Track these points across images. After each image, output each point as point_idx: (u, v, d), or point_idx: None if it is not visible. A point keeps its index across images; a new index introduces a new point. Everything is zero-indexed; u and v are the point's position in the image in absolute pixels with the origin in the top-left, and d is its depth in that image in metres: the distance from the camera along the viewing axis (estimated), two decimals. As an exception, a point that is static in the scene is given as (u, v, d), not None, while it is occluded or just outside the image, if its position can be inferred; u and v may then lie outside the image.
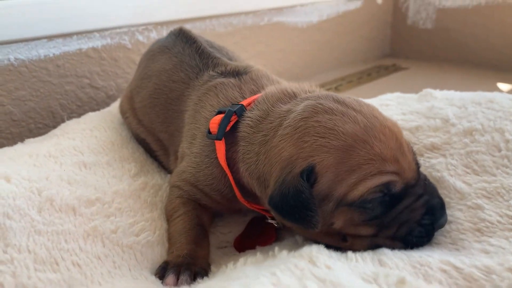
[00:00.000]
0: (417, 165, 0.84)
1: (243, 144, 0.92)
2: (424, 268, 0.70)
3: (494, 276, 0.67)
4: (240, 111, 0.95)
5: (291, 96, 0.94)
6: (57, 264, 0.74)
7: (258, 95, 0.98)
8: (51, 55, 1.55)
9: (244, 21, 2.11)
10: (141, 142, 1.24)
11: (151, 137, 1.20)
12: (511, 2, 2.42)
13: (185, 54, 1.17)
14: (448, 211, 0.85)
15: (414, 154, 0.84)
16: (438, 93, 1.26)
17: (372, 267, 0.68)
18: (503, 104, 1.10)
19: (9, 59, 1.45)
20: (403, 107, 1.22)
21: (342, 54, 2.68)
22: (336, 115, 0.82)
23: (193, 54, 1.16)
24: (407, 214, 0.79)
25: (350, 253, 0.72)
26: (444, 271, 0.69)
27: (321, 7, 2.46)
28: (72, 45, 1.59)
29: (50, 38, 1.53)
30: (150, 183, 1.07)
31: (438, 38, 2.77)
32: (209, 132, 0.94)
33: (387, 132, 0.81)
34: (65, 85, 1.59)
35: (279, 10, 2.25)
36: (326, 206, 0.79)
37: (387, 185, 0.78)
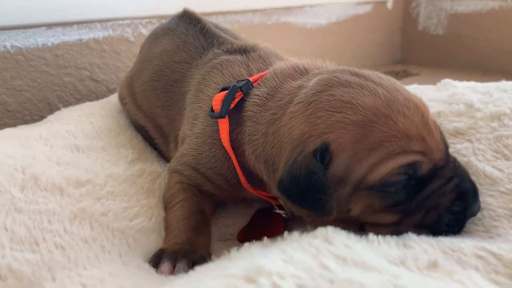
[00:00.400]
0: (446, 146, 0.75)
1: (250, 124, 0.84)
2: (457, 254, 0.61)
3: (539, 261, 0.57)
4: (247, 88, 0.86)
5: (303, 72, 0.86)
6: (37, 244, 0.65)
7: (266, 71, 0.90)
8: (50, 44, 1.48)
9: (252, 20, 2.05)
10: (140, 130, 1.16)
11: (150, 124, 1.12)
12: (526, 6, 2.35)
13: (188, 35, 1.09)
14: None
15: (442, 133, 0.75)
16: (458, 83, 1.17)
17: (397, 250, 0.59)
18: (531, 89, 1.01)
19: (5, 46, 1.39)
20: (421, 96, 1.13)
21: (351, 58, 2.60)
22: (353, 87, 0.74)
23: (197, 34, 1.08)
24: (435, 199, 0.70)
25: (371, 235, 0.63)
26: (481, 257, 0.60)
27: (330, 9, 2.40)
28: (72, 35, 1.52)
29: (49, 26, 1.47)
30: (148, 170, 0.99)
31: (450, 44, 2.70)
32: (212, 111, 0.86)
33: (412, 106, 0.72)
34: (64, 77, 1.52)
35: (288, 9, 2.19)
36: (343, 190, 0.70)
37: (412, 165, 0.68)
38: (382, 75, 0.79)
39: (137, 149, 1.07)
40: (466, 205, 0.70)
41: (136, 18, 1.65)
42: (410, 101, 0.73)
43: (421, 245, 0.62)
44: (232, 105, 0.85)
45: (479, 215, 0.74)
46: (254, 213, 0.96)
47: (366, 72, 0.79)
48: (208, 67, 0.99)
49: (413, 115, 0.71)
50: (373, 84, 0.74)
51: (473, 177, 0.81)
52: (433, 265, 0.54)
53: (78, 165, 0.89)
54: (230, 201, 0.98)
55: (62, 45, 1.50)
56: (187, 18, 1.15)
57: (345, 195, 0.69)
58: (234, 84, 0.86)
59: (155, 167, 1.02)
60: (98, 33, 1.58)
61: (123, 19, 1.62)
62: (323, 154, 0.69)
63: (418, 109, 0.72)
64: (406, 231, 0.68)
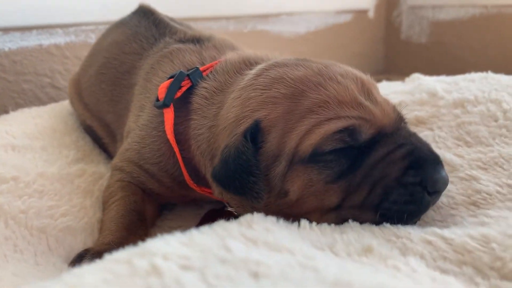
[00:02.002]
0: (398, 115, 0.67)
1: (196, 117, 0.77)
2: (402, 240, 0.53)
3: (494, 245, 0.50)
4: (195, 76, 0.80)
5: (252, 65, 0.80)
6: None
7: (217, 61, 0.84)
8: (7, 49, 1.42)
9: (226, 27, 2.00)
10: (88, 130, 1.09)
11: (97, 123, 1.05)
12: (506, 12, 2.31)
13: (140, 26, 1.03)
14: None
15: (394, 107, 0.68)
16: (426, 77, 1.12)
17: (329, 237, 0.52)
18: (499, 79, 0.95)
19: (-43, 51, 1.33)
20: (386, 90, 1.07)
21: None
22: (288, 66, 0.68)
23: (150, 25, 1.02)
24: (381, 169, 0.60)
25: (304, 221, 0.55)
26: (429, 242, 0.53)
27: (309, 18, 2.35)
28: (31, 40, 1.46)
29: (5, 30, 1.41)
30: (90, 170, 0.92)
31: (434, 52, 2.66)
32: (158, 100, 0.79)
33: (349, 75, 0.66)
34: (23, 83, 1.46)
35: (264, 17, 2.14)
36: (278, 167, 0.63)
37: (350, 131, 0.61)
38: (336, 63, 0.73)
39: (82, 150, 1.00)
40: (424, 175, 0.59)
41: (100, 23, 1.59)
42: (349, 72, 0.66)
43: (359, 232, 0.54)
44: (179, 94, 0.78)
45: (438, 203, 0.67)
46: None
47: (316, 60, 0.73)
48: (157, 56, 0.93)
49: (348, 82, 0.64)
50: (310, 63, 0.69)
51: (432, 165, 0.74)
52: (367, 250, 0.47)
53: (7, 163, 0.82)
54: (179, 201, 0.91)
55: (20, 50, 1.44)
56: (141, 11, 1.09)
57: (280, 174, 0.62)
58: (181, 71, 0.80)
59: (99, 168, 0.95)
60: (60, 39, 1.52)
61: (86, 24, 1.56)
62: (255, 133, 0.63)
63: (358, 79, 0.66)
64: (350, 215, 0.60)
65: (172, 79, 0.80)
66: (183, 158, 0.79)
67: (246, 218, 0.52)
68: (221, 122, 0.71)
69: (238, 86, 0.73)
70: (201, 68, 0.82)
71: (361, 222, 0.59)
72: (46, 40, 1.49)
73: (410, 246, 0.52)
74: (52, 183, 0.81)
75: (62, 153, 0.95)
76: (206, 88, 0.79)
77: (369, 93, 0.64)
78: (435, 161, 0.61)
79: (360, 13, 2.63)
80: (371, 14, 2.70)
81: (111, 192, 0.83)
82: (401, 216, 0.58)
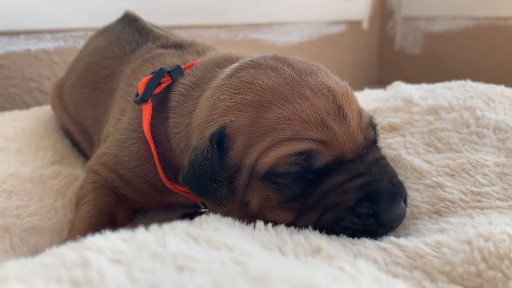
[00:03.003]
0: (367, 140, 0.65)
1: (173, 115, 0.77)
2: (357, 247, 0.53)
3: (445, 250, 0.50)
4: (176, 74, 0.79)
5: (233, 61, 0.79)
6: None
7: (199, 60, 0.84)
8: (-6, 53, 1.43)
9: (217, 35, 2.01)
10: (67, 134, 1.09)
11: (76, 127, 1.05)
12: (498, 24, 2.32)
13: (123, 32, 1.04)
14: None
15: (368, 126, 0.66)
16: (406, 85, 1.12)
17: (282, 238, 0.51)
18: (476, 87, 0.95)
19: None
20: (366, 97, 1.08)
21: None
22: (262, 69, 0.67)
23: (133, 31, 1.03)
24: (334, 197, 0.59)
25: (260, 223, 0.55)
26: (383, 249, 0.53)
27: (301, 27, 2.37)
28: (19, 45, 1.47)
29: (-7, 35, 1.42)
30: (65, 172, 0.92)
31: (427, 63, 2.67)
32: (137, 96, 0.79)
33: (321, 89, 0.64)
34: (10, 88, 1.46)
35: (256, 26, 2.16)
36: (240, 178, 0.63)
37: (306, 155, 0.59)
38: (311, 63, 0.72)
39: (59, 153, 1.00)
40: (377, 209, 0.58)
41: (89, 29, 1.60)
42: (322, 85, 0.64)
43: (315, 235, 0.54)
44: (158, 90, 0.78)
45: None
46: (177, 218, 0.88)
47: (294, 59, 0.72)
48: (139, 61, 0.93)
49: (318, 99, 0.62)
50: (285, 66, 0.68)
51: (401, 171, 0.74)
52: (315, 251, 0.47)
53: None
54: (153, 206, 0.91)
55: (8, 55, 1.45)
56: (126, 18, 1.10)
57: (242, 185, 0.62)
58: (162, 67, 0.79)
59: (75, 171, 0.95)
60: (48, 44, 1.53)
61: (75, 29, 1.57)
62: (221, 138, 0.62)
63: (330, 93, 0.64)
64: None
65: (152, 75, 0.80)
66: (164, 158, 0.78)
67: (201, 218, 0.52)
68: (194, 120, 0.71)
69: (213, 83, 0.73)
70: (182, 66, 0.82)
71: None
72: (34, 45, 1.50)
73: (364, 251, 0.52)
74: (23, 183, 0.81)
75: (38, 155, 0.95)
76: (183, 84, 0.78)
77: (339, 111, 0.62)
78: (392, 196, 0.59)
79: (354, 24, 2.64)
80: (365, 25, 2.71)
81: (83, 193, 0.83)
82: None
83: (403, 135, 0.82)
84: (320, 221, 0.59)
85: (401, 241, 0.54)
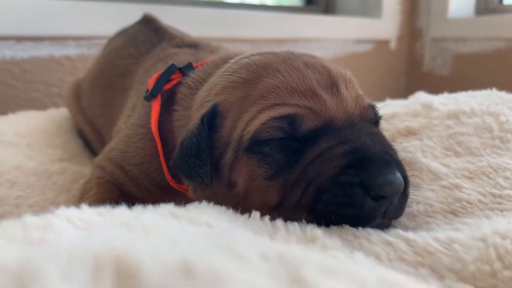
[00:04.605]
0: (363, 116, 0.60)
1: (178, 108, 0.75)
2: (360, 240, 0.49)
3: (456, 246, 0.45)
4: (186, 70, 0.78)
5: None
6: None
7: (211, 58, 0.82)
8: (18, 58, 1.45)
9: (240, 49, 2.00)
10: (80, 134, 1.09)
11: (89, 127, 1.04)
12: (533, 44, 2.25)
13: (140, 33, 1.04)
14: (416, 192, 0.64)
15: (367, 107, 0.62)
16: (429, 95, 1.07)
17: (275, 227, 0.48)
18: (502, 95, 0.91)
19: (-30, 56, 1.37)
20: (386, 106, 1.04)
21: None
22: (263, 54, 0.66)
23: (149, 32, 1.03)
24: (317, 166, 0.53)
25: (256, 213, 0.51)
26: (389, 243, 0.48)
27: (326, 45, 2.35)
28: (43, 50, 1.50)
29: (18, 39, 1.45)
30: (72, 169, 0.90)
31: (456, 85, 2.59)
32: (147, 91, 0.77)
33: (315, 65, 0.61)
34: (31, 92, 1.48)
35: (280, 42, 2.14)
36: (227, 155, 0.60)
37: (290, 119, 0.55)
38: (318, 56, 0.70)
39: (70, 151, 0.99)
40: (364, 175, 0.50)
41: (113, 38, 1.62)
42: (318, 63, 0.62)
43: (313, 227, 0.50)
44: (168, 86, 0.77)
45: (414, 211, 0.62)
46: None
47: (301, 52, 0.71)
48: (153, 60, 0.93)
49: (311, 71, 0.59)
50: (289, 53, 0.66)
51: (415, 172, 0.70)
52: (310, 240, 0.43)
53: (-15, 155, 0.82)
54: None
55: (31, 59, 1.47)
56: (144, 20, 1.10)
57: (228, 163, 0.59)
58: (173, 64, 0.78)
59: (83, 169, 0.94)
60: (71, 51, 1.55)
61: (99, 37, 1.59)
62: (212, 117, 0.61)
63: (325, 70, 0.61)
64: (287, 217, 0.53)
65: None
66: (170, 157, 0.76)
67: (193, 204, 0.49)
68: (193, 107, 0.70)
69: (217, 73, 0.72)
70: (194, 64, 0.81)
71: None
72: (57, 51, 1.52)
73: (367, 246, 0.47)
74: (26, 176, 0.80)
75: (47, 152, 0.94)
76: (192, 78, 0.77)
77: (332, 85, 0.59)
78: (384, 162, 0.51)
79: (382, 44, 2.61)
80: (392, 45, 2.67)
81: (87, 188, 0.81)
82: (338, 221, 0.51)
83: (420, 139, 0.78)
84: (302, 198, 0.52)
85: (410, 235, 0.49)
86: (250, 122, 0.57)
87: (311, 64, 0.61)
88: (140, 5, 1.59)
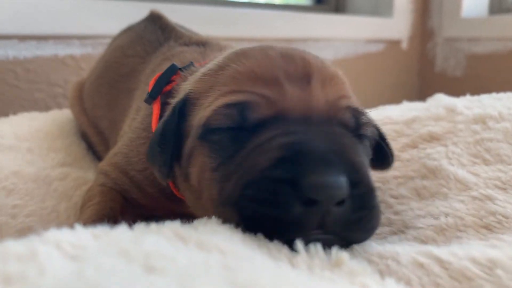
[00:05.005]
0: (332, 116, 0.52)
1: None
2: (386, 261, 0.43)
3: (500, 272, 0.40)
4: (188, 70, 0.74)
5: None
6: None
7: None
8: (22, 57, 1.41)
9: (249, 49, 1.96)
10: (84, 137, 1.04)
11: (93, 129, 1.00)
12: (549, 44, 2.19)
13: (146, 31, 1.00)
14: (444, 203, 0.59)
15: (344, 109, 0.53)
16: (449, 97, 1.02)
17: (300, 252, 0.42)
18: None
19: (-29, 56, 1.33)
20: (402, 108, 0.99)
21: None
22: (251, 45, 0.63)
23: (156, 30, 0.98)
24: (252, 158, 0.47)
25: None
26: (420, 265, 0.43)
27: (337, 44, 2.29)
28: (47, 50, 1.46)
29: (22, 38, 1.41)
30: (74, 175, 0.86)
31: (469, 86, 2.53)
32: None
33: (293, 56, 0.55)
34: (35, 92, 1.44)
35: (289, 41, 2.09)
36: (187, 144, 0.57)
37: (241, 106, 0.50)
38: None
39: (72, 155, 0.95)
40: (298, 172, 0.42)
41: (119, 37, 1.58)
42: (298, 55, 0.56)
43: (338, 251, 0.44)
44: (169, 88, 0.72)
45: (442, 224, 0.56)
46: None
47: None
48: (159, 60, 0.88)
49: (283, 61, 0.54)
50: (275, 46, 0.62)
51: (442, 182, 0.64)
52: (335, 265, 0.38)
53: (-18, 160, 0.78)
54: (165, 215, 0.83)
55: (35, 59, 1.43)
56: (150, 17, 1.06)
57: (187, 152, 0.56)
58: (173, 64, 0.73)
59: (86, 174, 0.89)
60: (76, 50, 1.51)
61: (104, 37, 1.55)
62: (183, 106, 0.59)
63: (302, 61, 0.55)
64: (218, 215, 0.47)
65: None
66: None
67: (200, 220, 0.44)
68: None
69: None
70: (198, 64, 0.76)
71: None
72: (62, 50, 1.48)
73: (395, 268, 0.42)
74: (25, 182, 0.76)
75: (49, 156, 0.90)
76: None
77: (304, 77, 0.52)
78: (324, 160, 0.43)
79: (393, 44, 2.55)
80: (404, 45, 2.61)
81: (90, 195, 0.76)
82: (263, 221, 0.43)
83: (445, 145, 0.72)
84: (231, 193, 0.47)
85: (443, 254, 0.44)
86: (206, 108, 0.53)
87: (289, 55, 0.55)
88: (146, 3, 1.55)
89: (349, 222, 0.43)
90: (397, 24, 2.53)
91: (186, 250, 0.32)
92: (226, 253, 0.32)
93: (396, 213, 0.63)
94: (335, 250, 0.41)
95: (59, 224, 0.72)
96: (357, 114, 0.53)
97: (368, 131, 0.55)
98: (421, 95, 2.72)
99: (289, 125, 0.47)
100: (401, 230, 0.59)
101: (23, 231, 0.66)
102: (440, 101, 0.89)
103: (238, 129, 0.50)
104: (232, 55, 0.59)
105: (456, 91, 2.60)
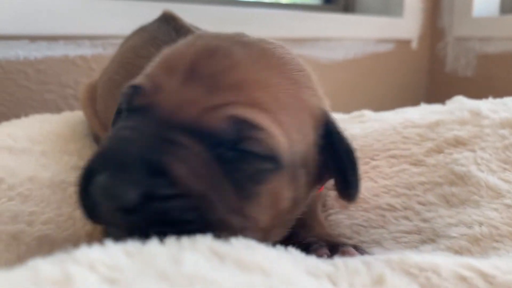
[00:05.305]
0: (200, 121, 0.47)
1: None
2: (426, 274, 0.41)
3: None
4: None
5: None
6: None
7: None
8: (32, 58, 1.40)
9: (259, 49, 1.94)
10: (96, 139, 1.02)
11: (105, 132, 0.98)
12: (563, 44, 2.15)
13: (160, 31, 0.98)
14: (476, 211, 0.56)
15: (226, 118, 0.48)
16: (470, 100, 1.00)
17: (331, 264, 0.41)
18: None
19: (-19, 56, 1.31)
20: (422, 111, 0.96)
21: (369, 98, 2.44)
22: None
23: (170, 31, 0.96)
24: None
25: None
26: (463, 278, 0.41)
27: (347, 44, 2.26)
28: (58, 50, 1.44)
29: (32, 39, 1.39)
30: (90, 179, 0.84)
31: (480, 86, 2.50)
32: None
33: (216, 49, 0.51)
34: (45, 93, 1.43)
35: (300, 41, 2.07)
36: None
37: (133, 89, 0.51)
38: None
39: (85, 158, 0.92)
40: (93, 167, 0.45)
41: (129, 37, 1.56)
42: (221, 51, 0.51)
43: (376, 263, 0.43)
44: None
45: (477, 234, 0.54)
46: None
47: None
48: None
49: (199, 52, 0.51)
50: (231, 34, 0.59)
51: (472, 189, 0.62)
52: (377, 282, 0.36)
53: (-5, 164, 0.76)
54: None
55: (45, 60, 1.42)
56: (163, 18, 1.04)
57: None
58: None
59: (101, 178, 0.87)
60: (87, 51, 1.49)
61: (114, 37, 1.53)
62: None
63: (219, 59, 0.50)
64: None
65: None
66: None
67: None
68: None
69: None
70: None
71: None
72: (72, 50, 1.46)
73: (437, 282, 0.40)
74: (40, 188, 0.74)
75: (63, 159, 0.88)
76: None
77: (202, 75, 0.49)
78: (121, 167, 0.42)
79: (403, 43, 2.52)
80: (414, 45, 2.58)
81: None
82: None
83: (473, 150, 0.70)
84: None
85: (485, 267, 0.42)
86: None
87: (212, 49, 0.51)
88: (157, 3, 1.53)
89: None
90: (407, 24, 2.51)
91: (226, 270, 0.30)
92: (269, 274, 0.30)
93: (425, 220, 0.61)
94: (375, 265, 0.40)
95: (76, 232, 0.70)
96: (241, 126, 0.47)
97: (255, 147, 0.48)
98: (431, 95, 2.69)
99: (138, 120, 0.47)
100: (431, 238, 0.57)
101: (40, 239, 0.64)
102: (462, 104, 0.87)
103: (128, 110, 0.50)
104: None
105: (466, 91, 2.57)
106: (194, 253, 0.32)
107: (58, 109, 1.44)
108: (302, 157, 0.52)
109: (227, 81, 0.48)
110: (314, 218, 0.68)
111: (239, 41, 0.54)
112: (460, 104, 0.87)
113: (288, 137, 0.49)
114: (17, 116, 1.35)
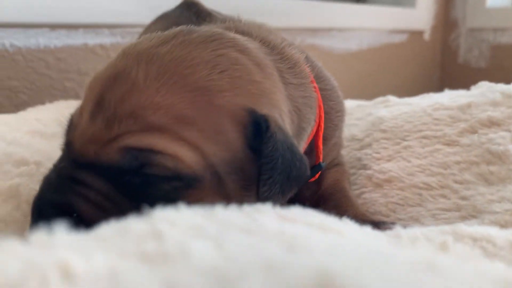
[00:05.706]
0: (101, 156, 0.50)
1: None
2: (481, 243, 0.42)
3: None
4: None
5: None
6: None
7: None
8: (52, 46, 1.40)
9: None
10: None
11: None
12: None
13: (181, 17, 0.98)
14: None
15: (118, 148, 0.50)
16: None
17: (392, 233, 0.41)
18: None
19: (3, 44, 1.32)
20: (449, 96, 0.96)
21: (382, 88, 2.43)
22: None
23: (191, 16, 0.96)
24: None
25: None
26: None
27: (361, 34, 2.26)
28: (78, 39, 1.44)
29: (52, 27, 1.39)
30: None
31: (493, 77, 2.47)
32: None
33: (154, 65, 0.52)
34: (65, 81, 1.43)
35: (314, 31, 2.07)
36: None
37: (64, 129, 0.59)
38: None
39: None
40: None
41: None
42: (126, 76, 0.51)
43: (441, 232, 0.43)
44: None
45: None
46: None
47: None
48: None
49: (103, 82, 0.52)
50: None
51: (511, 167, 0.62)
52: (441, 248, 0.36)
53: (32, 147, 0.76)
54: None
55: (65, 48, 1.42)
56: (185, 4, 1.04)
57: None
58: None
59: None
60: (106, 39, 1.50)
61: (133, 26, 1.53)
62: None
63: (126, 85, 0.50)
64: None
65: None
66: None
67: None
68: None
69: None
70: None
71: None
72: (91, 39, 1.47)
73: (492, 250, 0.40)
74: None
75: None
76: None
77: (109, 104, 0.50)
78: (38, 214, 0.50)
79: (416, 34, 2.51)
80: (427, 35, 2.57)
81: None
82: None
83: (508, 130, 0.70)
84: None
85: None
86: None
87: (123, 73, 0.51)
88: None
89: None
90: (420, 14, 2.50)
91: (306, 229, 0.30)
92: (343, 233, 0.31)
93: (464, 198, 0.61)
94: (436, 232, 0.40)
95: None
96: (136, 154, 0.48)
97: (156, 171, 0.48)
98: (444, 86, 2.68)
99: (61, 158, 0.54)
100: (472, 214, 0.58)
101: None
102: (491, 87, 0.87)
103: (64, 144, 0.56)
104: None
105: (480, 81, 2.56)
106: (265, 216, 0.32)
107: (77, 97, 1.44)
108: (229, 165, 0.49)
109: (124, 110, 0.48)
110: (346, 198, 0.68)
111: (150, 57, 0.53)
112: (489, 87, 0.87)
113: (199, 151, 0.48)
114: (38, 103, 1.37)
